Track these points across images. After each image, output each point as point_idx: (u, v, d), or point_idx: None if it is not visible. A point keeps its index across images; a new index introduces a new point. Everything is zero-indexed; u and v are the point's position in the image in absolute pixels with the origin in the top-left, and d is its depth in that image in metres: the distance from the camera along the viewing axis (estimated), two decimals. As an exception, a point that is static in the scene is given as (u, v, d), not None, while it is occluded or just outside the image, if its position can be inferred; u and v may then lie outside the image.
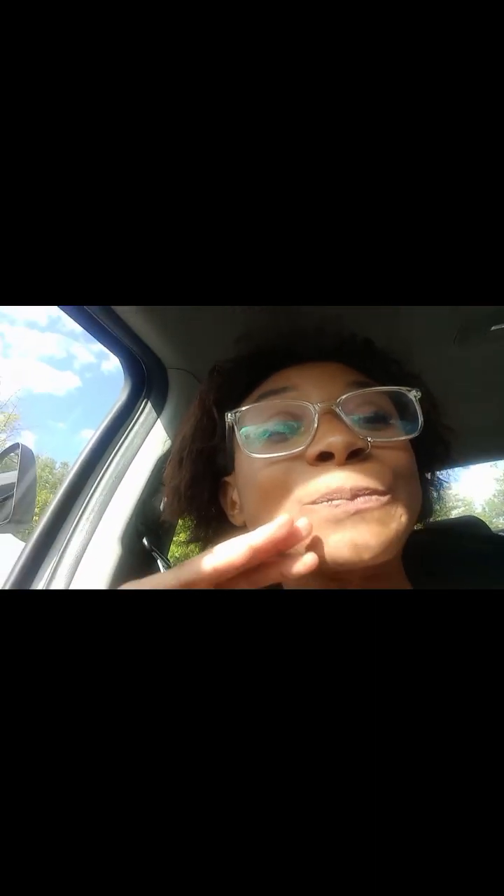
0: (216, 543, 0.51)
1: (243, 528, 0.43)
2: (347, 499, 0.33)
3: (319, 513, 0.34)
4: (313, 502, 0.34)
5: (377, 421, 0.38)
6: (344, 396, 0.37)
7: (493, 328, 0.91)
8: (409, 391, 0.39)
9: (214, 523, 0.49)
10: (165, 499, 0.51)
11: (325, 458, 0.35)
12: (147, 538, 0.62)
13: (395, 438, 0.37)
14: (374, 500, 0.34)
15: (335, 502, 0.33)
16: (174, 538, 0.70)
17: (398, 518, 0.35)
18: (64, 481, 0.64)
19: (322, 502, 0.34)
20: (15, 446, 0.86)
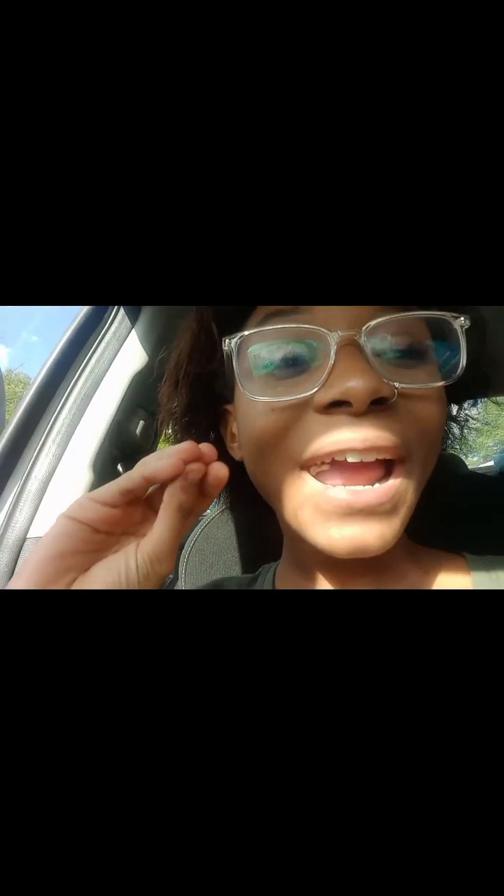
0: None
1: (242, 463, 0.37)
2: (358, 454, 0.28)
3: (320, 494, 0.28)
4: (314, 462, 0.29)
5: (409, 357, 0.30)
6: (372, 323, 0.28)
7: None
8: (456, 318, 0.30)
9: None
10: (159, 421, 0.43)
11: (338, 405, 0.28)
12: (122, 464, 0.57)
13: (429, 385, 0.30)
14: (387, 491, 0.28)
15: (339, 492, 0.28)
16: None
17: (407, 502, 0.29)
18: (25, 396, 0.56)
19: (325, 463, 0.29)
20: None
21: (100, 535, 0.27)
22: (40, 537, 0.30)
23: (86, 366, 0.58)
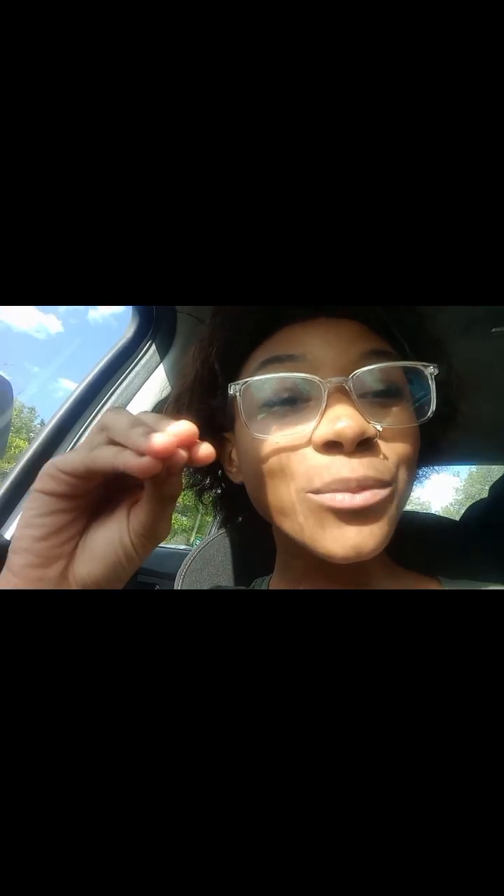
0: (211, 490, 0.52)
1: (242, 487, 0.42)
2: (352, 492, 0.32)
3: (320, 503, 0.33)
4: (316, 491, 0.33)
5: (389, 397, 0.35)
6: (357, 372, 0.34)
7: (493, 330, 0.93)
8: (426, 367, 0.36)
9: (210, 474, 0.49)
10: None
11: (331, 446, 0.33)
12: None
13: (406, 425, 0.35)
14: (376, 497, 0.32)
15: (338, 496, 0.32)
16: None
17: (395, 513, 0.35)
18: (57, 413, 0.62)
19: (325, 493, 0.33)
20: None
21: (76, 502, 0.27)
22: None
23: (116, 389, 0.64)
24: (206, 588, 0.62)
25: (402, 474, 0.35)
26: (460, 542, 0.53)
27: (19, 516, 0.28)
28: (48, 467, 0.27)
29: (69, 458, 0.26)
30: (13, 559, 0.27)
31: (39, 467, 0.63)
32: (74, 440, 0.59)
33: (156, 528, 0.28)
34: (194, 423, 0.37)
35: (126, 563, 0.28)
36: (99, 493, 0.28)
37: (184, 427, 0.25)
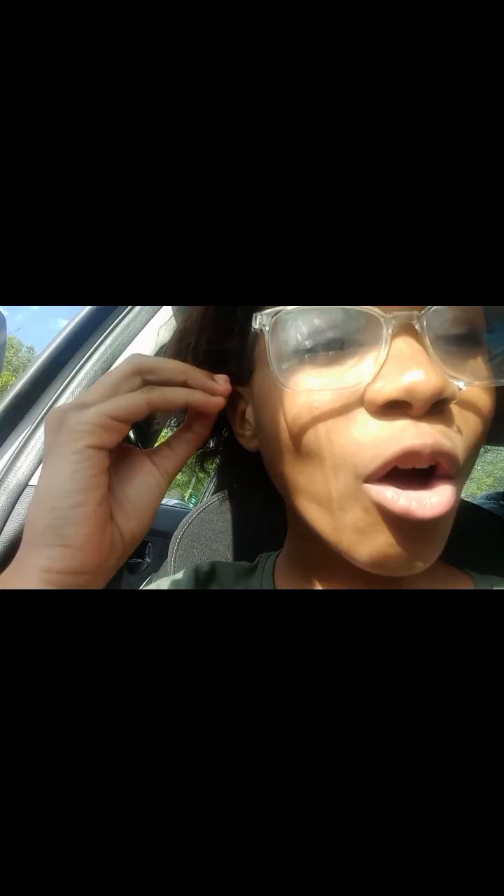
0: (218, 459, 0.45)
1: (256, 453, 0.34)
2: (420, 465, 0.25)
3: (377, 499, 0.25)
4: (375, 476, 0.25)
5: (469, 346, 0.26)
6: (433, 308, 0.25)
7: None
8: None
9: (216, 435, 0.40)
10: None
11: (394, 408, 0.24)
12: (134, 432, 0.56)
13: (489, 383, 0.26)
14: (445, 501, 0.24)
15: (401, 500, 0.24)
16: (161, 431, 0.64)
17: (452, 519, 0.27)
18: (41, 356, 0.55)
19: (383, 483, 0.25)
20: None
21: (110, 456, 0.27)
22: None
23: (115, 327, 0.57)
24: (201, 556, 0.58)
25: (474, 454, 0.27)
26: (492, 533, 0.48)
27: (47, 481, 0.26)
28: (95, 417, 0.25)
29: (121, 404, 0.26)
30: (68, 532, 0.24)
31: (27, 405, 0.56)
32: (63, 384, 0.53)
33: (181, 467, 0.30)
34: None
35: (159, 503, 0.29)
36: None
37: (225, 377, 0.30)
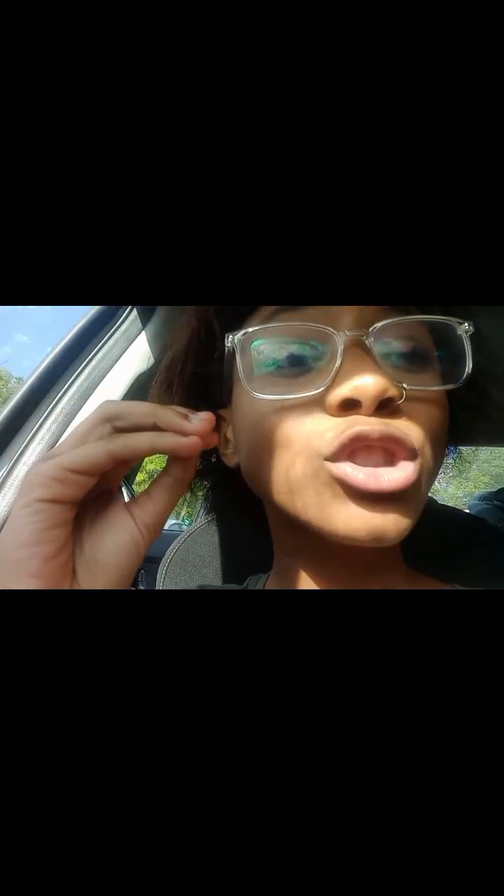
0: (202, 480, 0.45)
1: (237, 469, 0.36)
2: (373, 442, 0.27)
3: (338, 475, 0.28)
4: (332, 458, 0.28)
5: (414, 360, 0.30)
6: (379, 325, 0.28)
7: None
8: (460, 324, 0.30)
9: (204, 460, 0.42)
10: None
11: (348, 406, 0.28)
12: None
13: (435, 387, 0.30)
14: (406, 477, 0.27)
15: (360, 475, 0.27)
16: (141, 464, 0.64)
17: (422, 495, 0.29)
18: (24, 384, 0.55)
19: (343, 461, 0.28)
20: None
21: (74, 509, 0.26)
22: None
23: (91, 360, 0.57)
24: (190, 581, 0.58)
25: (430, 447, 0.29)
26: (486, 545, 0.48)
27: (3, 533, 0.25)
28: (51, 469, 0.25)
29: (80, 455, 0.25)
30: (14, 587, 0.23)
31: (7, 437, 0.55)
32: (47, 411, 0.53)
33: (162, 521, 0.28)
34: (186, 395, 0.37)
35: (138, 561, 0.27)
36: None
37: (208, 414, 0.28)
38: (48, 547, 0.24)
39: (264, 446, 0.30)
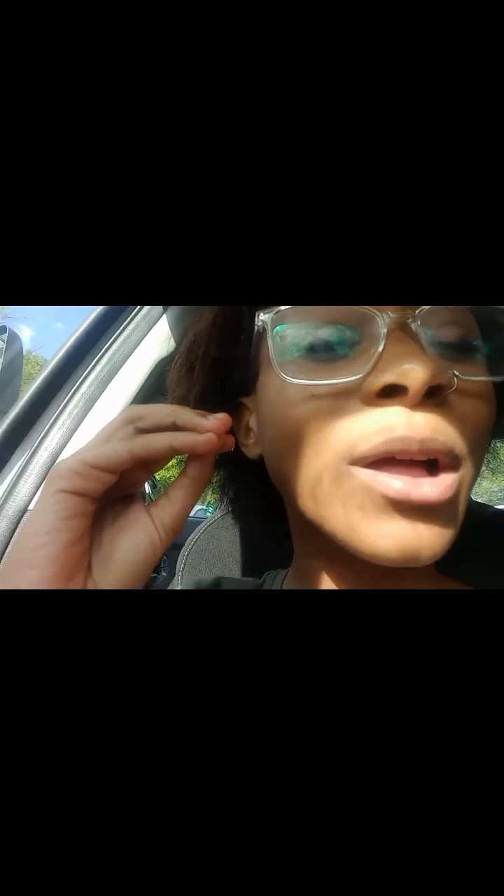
0: (222, 472, 0.44)
1: (258, 460, 0.34)
2: (413, 456, 0.25)
3: (367, 483, 0.25)
4: (361, 461, 0.25)
5: (463, 350, 0.27)
6: (427, 308, 0.26)
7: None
8: None
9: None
10: None
11: (391, 392, 0.25)
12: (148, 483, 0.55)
13: (488, 378, 0.27)
14: (448, 488, 0.25)
15: (395, 483, 0.24)
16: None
17: (464, 504, 0.27)
18: (45, 368, 0.55)
19: (375, 468, 0.25)
20: (1, 329, 0.77)
21: (94, 504, 0.26)
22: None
23: (111, 346, 0.56)
24: (210, 570, 0.57)
25: (475, 452, 0.26)
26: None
27: (27, 522, 0.27)
28: (73, 464, 0.25)
29: (102, 452, 0.26)
30: (28, 574, 0.24)
31: (30, 422, 0.55)
32: (62, 405, 0.52)
33: (182, 522, 0.28)
34: (207, 379, 0.35)
35: (154, 561, 0.27)
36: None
37: (224, 415, 0.28)
38: (67, 535, 0.24)
39: (291, 440, 0.28)
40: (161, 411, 0.27)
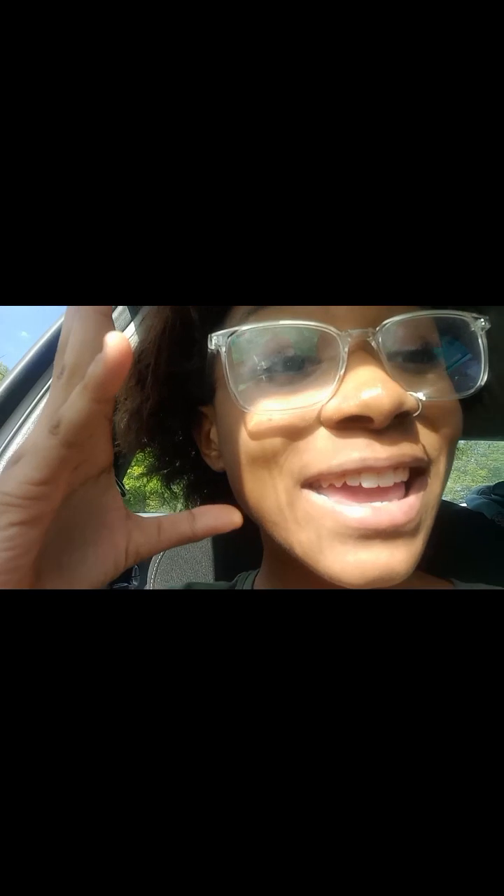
0: (185, 479, 0.43)
1: (223, 474, 0.33)
2: (376, 477, 0.24)
3: (324, 508, 0.25)
4: (322, 479, 0.25)
5: (426, 361, 0.26)
6: (388, 322, 0.25)
7: None
8: (476, 319, 0.26)
9: (182, 455, 0.39)
10: (119, 422, 0.35)
11: (353, 423, 0.24)
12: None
13: (452, 396, 0.27)
14: (413, 505, 0.24)
15: (356, 511, 0.24)
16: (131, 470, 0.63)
17: (429, 519, 0.26)
18: (10, 375, 0.54)
19: (333, 490, 0.25)
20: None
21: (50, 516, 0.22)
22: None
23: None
24: (182, 576, 0.57)
25: (443, 461, 0.26)
26: (475, 535, 0.46)
27: None
28: (17, 488, 0.20)
29: (20, 473, 0.20)
30: None
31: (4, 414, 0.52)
32: (29, 408, 0.51)
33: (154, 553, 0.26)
34: (160, 394, 0.32)
35: (112, 577, 0.25)
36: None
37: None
38: (19, 574, 0.21)
39: (251, 466, 0.27)
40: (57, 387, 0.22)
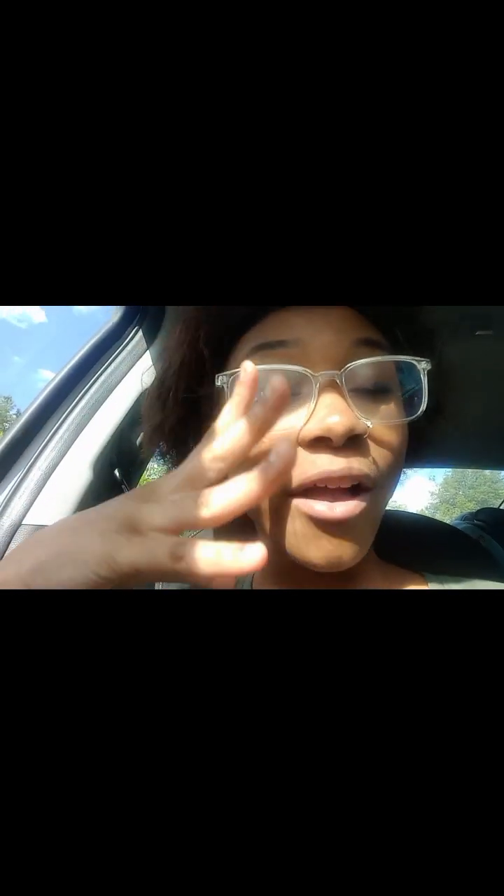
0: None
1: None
2: (333, 494, 0.32)
3: (299, 508, 0.33)
4: (296, 493, 0.33)
5: (379, 394, 0.35)
6: (350, 366, 0.33)
7: (476, 333, 0.93)
8: (419, 362, 0.35)
9: (181, 449, 0.45)
10: (143, 435, 0.45)
11: (320, 442, 0.32)
12: (118, 470, 0.61)
13: (395, 421, 0.35)
14: (356, 508, 0.32)
15: (317, 505, 0.32)
16: (144, 475, 0.69)
17: (377, 516, 0.35)
18: (40, 395, 0.60)
19: (306, 496, 0.33)
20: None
21: None
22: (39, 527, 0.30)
23: (100, 375, 0.63)
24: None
25: (389, 472, 0.35)
26: (449, 545, 0.53)
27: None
28: (118, 566, 0.23)
29: (143, 554, 0.24)
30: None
31: (12, 458, 0.58)
32: (54, 429, 0.57)
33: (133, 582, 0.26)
34: (180, 411, 0.41)
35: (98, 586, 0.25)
36: None
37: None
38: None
39: None
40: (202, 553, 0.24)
